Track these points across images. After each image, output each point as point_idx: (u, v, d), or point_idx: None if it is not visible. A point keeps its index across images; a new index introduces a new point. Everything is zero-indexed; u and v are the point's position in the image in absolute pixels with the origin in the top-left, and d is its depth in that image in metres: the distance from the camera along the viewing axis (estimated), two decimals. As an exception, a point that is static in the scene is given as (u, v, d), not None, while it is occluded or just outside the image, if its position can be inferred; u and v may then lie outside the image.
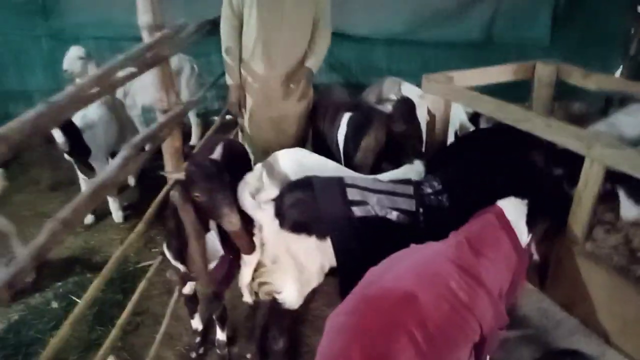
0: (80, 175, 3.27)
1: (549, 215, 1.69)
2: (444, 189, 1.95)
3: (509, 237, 1.57)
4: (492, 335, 1.48)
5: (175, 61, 3.95)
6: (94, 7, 4.61)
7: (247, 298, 2.42)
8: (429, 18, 4.87)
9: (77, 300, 2.54)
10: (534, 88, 2.73)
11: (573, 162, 1.83)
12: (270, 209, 1.84)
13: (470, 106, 2.25)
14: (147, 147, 1.93)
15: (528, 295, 2.40)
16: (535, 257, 1.67)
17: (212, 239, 1.93)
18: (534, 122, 1.81)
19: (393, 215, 1.83)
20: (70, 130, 2.83)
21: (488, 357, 1.68)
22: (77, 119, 3.00)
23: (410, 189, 1.94)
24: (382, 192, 1.88)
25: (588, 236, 1.75)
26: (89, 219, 3.37)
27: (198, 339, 2.23)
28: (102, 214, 3.41)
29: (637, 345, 1.59)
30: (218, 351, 2.19)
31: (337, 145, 2.72)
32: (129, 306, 1.92)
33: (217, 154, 1.87)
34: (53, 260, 2.91)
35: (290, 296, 1.89)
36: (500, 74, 2.59)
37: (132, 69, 1.90)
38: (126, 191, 3.73)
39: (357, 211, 1.80)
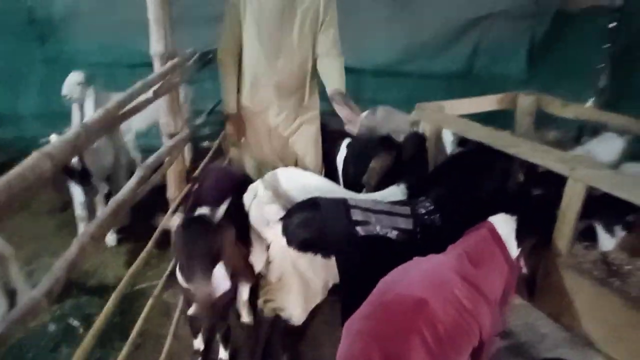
0: (77, 199, 3.27)
1: (536, 230, 1.83)
2: (435, 209, 2.07)
3: (501, 250, 1.70)
4: (490, 342, 1.59)
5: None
6: (91, 34, 4.74)
7: (246, 318, 2.49)
8: (414, 51, 5.16)
9: (73, 324, 2.55)
10: (516, 117, 2.93)
11: (552, 184, 2.01)
12: (278, 227, 1.92)
13: (462, 133, 2.42)
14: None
15: (515, 310, 2.53)
16: (524, 270, 1.80)
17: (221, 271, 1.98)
18: (521, 147, 1.98)
19: (393, 234, 1.94)
20: None
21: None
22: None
23: (407, 210, 2.06)
24: (382, 212, 1.99)
25: (571, 251, 1.89)
26: None
27: (199, 359, 2.26)
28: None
29: (620, 349, 1.72)
30: None
31: (336, 167, 2.85)
32: (137, 325, 1.98)
33: (221, 210, 1.76)
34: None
35: (295, 312, 1.94)
36: (486, 103, 2.80)
37: (148, 95, 2.03)
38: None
39: (361, 231, 1.88)
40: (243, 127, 2.81)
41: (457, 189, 2.13)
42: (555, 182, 1.95)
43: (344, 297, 1.95)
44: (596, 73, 5.18)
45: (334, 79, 2.66)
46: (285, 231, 1.89)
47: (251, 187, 2.27)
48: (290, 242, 1.86)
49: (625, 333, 1.68)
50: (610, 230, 2.11)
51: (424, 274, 1.54)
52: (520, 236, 1.76)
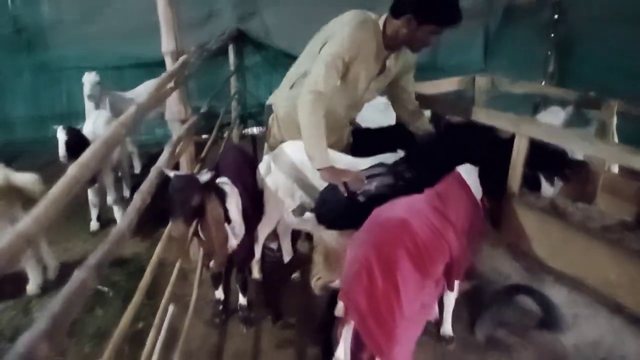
0: (91, 196, 3.52)
1: (494, 177, 2.31)
2: (409, 167, 2.33)
3: (465, 192, 2.16)
4: (459, 263, 2.04)
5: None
6: (78, 40, 4.99)
7: (256, 275, 2.88)
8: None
9: (103, 290, 2.84)
10: (475, 95, 3.43)
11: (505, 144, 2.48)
12: (313, 219, 2.29)
13: (429, 107, 2.88)
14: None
15: (483, 258, 3.00)
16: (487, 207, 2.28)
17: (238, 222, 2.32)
18: (478, 113, 2.45)
19: (384, 189, 2.23)
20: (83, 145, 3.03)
21: (457, 283, 2.24)
22: (89, 134, 3.33)
23: (387, 169, 2.41)
24: (373, 176, 2.29)
25: (521, 191, 2.37)
26: (94, 225, 3.57)
27: (221, 307, 2.62)
28: (107, 221, 3.64)
29: (562, 263, 2.21)
30: (240, 314, 2.58)
31: None
32: (168, 287, 2.24)
33: (206, 176, 2.08)
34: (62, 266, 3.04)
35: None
36: (448, 84, 3.29)
37: (171, 85, 2.38)
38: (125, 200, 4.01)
39: (361, 198, 2.20)
40: None
41: (429, 151, 2.55)
42: (507, 144, 2.43)
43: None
44: (545, 60, 5.80)
45: None
46: (319, 218, 2.27)
47: (264, 160, 2.60)
48: (325, 224, 2.23)
49: (561, 248, 2.17)
50: (550, 180, 2.59)
51: (405, 204, 2.00)
52: (482, 181, 2.22)
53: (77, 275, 1.21)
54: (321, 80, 2.19)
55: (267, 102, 2.78)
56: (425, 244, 1.83)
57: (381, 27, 2.35)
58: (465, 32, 5.74)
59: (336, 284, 2.05)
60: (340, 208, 2.21)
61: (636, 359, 2.25)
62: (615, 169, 2.98)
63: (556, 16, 5.53)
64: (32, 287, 2.83)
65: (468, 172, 2.22)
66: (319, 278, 2.15)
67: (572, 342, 2.45)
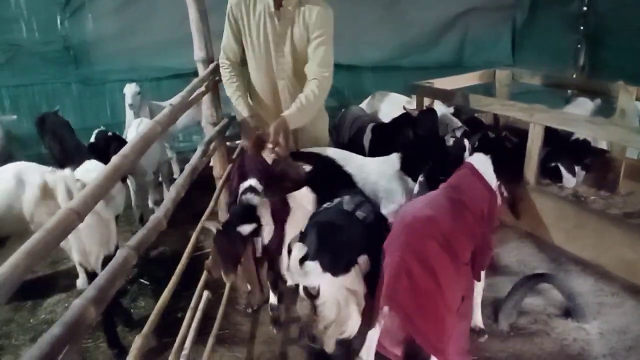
0: (131, 187, 3.73)
1: (510, 167, 2.36)
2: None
3: (480, 181, 2.22)
4: (483, 251, 2.10)
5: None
6: (119, 55, 5.33)
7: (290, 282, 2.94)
8: (406, 47, 5.72)
9: (145, 283, 3.06)
10: (496, 88, 3.47)
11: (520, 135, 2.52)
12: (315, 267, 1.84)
13: (448, 101, 2.96)
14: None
15: (509, 249, 3.02)
16: (506, 196, 2.33)
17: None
18: (493, 104, 2.52)
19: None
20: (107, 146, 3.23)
21: (483, 274, 2.30)
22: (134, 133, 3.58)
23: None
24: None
25: (538, 179, 2.41)
26: (138, 227, 3.80)
27: (275, 313, 2.63)
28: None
29: (576, 247, 2.24)
30: (270, 313, 2.63)
31: (363, 147, 3.29)
32: (202, 280, 2.41)
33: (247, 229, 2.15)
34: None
35: (356, 327, 1.89)
36: (469, 79, 3.35)
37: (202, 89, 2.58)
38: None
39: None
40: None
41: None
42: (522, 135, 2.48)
43: None
44: (575, 52, 5.71)
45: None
46: (323, 267, 1.82)
47: None
48: (333, 271, 1.83)
49: (577, 232, 2.20)
50: (571, 171, 2.62)
51: (426, 201, 2.08)
52: (497, 171, 2.28)
53: (121, 253, 1.40)
54: None
55: None
56: (450, 235, 1.90)
57: None
58: (492, 28, 5.75)
59: (348, 333, 1.86)
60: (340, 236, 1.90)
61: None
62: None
63: (585, 7, 5.44)
64: (81, 282, 3.09)
65: (481, 161, 2.29)
66: (328, 333, 1.86)
67: (597, 330, 2.46)
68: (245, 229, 2.17)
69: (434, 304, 1.75)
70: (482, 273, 2.30)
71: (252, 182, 2.43)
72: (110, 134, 3.41)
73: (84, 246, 2.49)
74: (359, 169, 2.57)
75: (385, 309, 1.76)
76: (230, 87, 2.59)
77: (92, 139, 3.37)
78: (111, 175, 1.29)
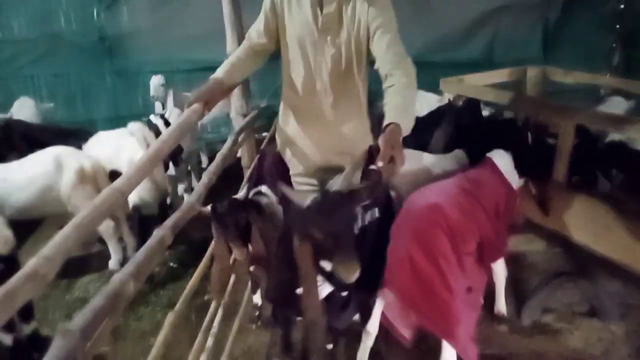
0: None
1: (536, 165, 2.34)
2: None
3: (498, 177, 2.21)
4: (490, 242, 2.08)
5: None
6: (153, 47, 5.47)
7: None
8: (437, 43, 5.66)
9: (174, 266, 3.18)
10: (527, 86, 3.43)
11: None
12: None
13: (479, 96, 2.93)
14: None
15: (535, 248, 3.00)
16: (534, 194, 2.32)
17: None
18: (524, 101, 2.50)
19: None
20: None
21: (503, 263, 2.30)
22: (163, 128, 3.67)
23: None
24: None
25: (567, 178, 2.39)
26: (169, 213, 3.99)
27: (257, 313, 2.56)
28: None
29: (606, 247, 2.22)
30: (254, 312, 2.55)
31: None
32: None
33: None
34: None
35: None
36: (499, 76, 3.31)
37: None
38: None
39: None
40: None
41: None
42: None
43: None
44: (609, 52, 5.57)
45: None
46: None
47: None
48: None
49: (606, 233, 2.18)
50: (607, 174, 2.57)
51: (435, 189, 2.09)
52: (519, 168, 2.27)
53: (157, 233, 1.47)
54: None
55: None
56: (457, 224, 1.91)
57: None
58: (523, 26, 5.64)
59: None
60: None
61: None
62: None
63: (622, 6, 5.30)
64: (113, 263, 3.22)
65: (500, 158, 2.28)
66: None
67: (622, 329, 2.43)
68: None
69: (437, 290, 1.80)
70: (502, 262, 2.30)
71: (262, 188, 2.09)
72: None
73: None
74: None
75: (386, 290, 1.87)
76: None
77: None
78: (153, 157, 1.36)
